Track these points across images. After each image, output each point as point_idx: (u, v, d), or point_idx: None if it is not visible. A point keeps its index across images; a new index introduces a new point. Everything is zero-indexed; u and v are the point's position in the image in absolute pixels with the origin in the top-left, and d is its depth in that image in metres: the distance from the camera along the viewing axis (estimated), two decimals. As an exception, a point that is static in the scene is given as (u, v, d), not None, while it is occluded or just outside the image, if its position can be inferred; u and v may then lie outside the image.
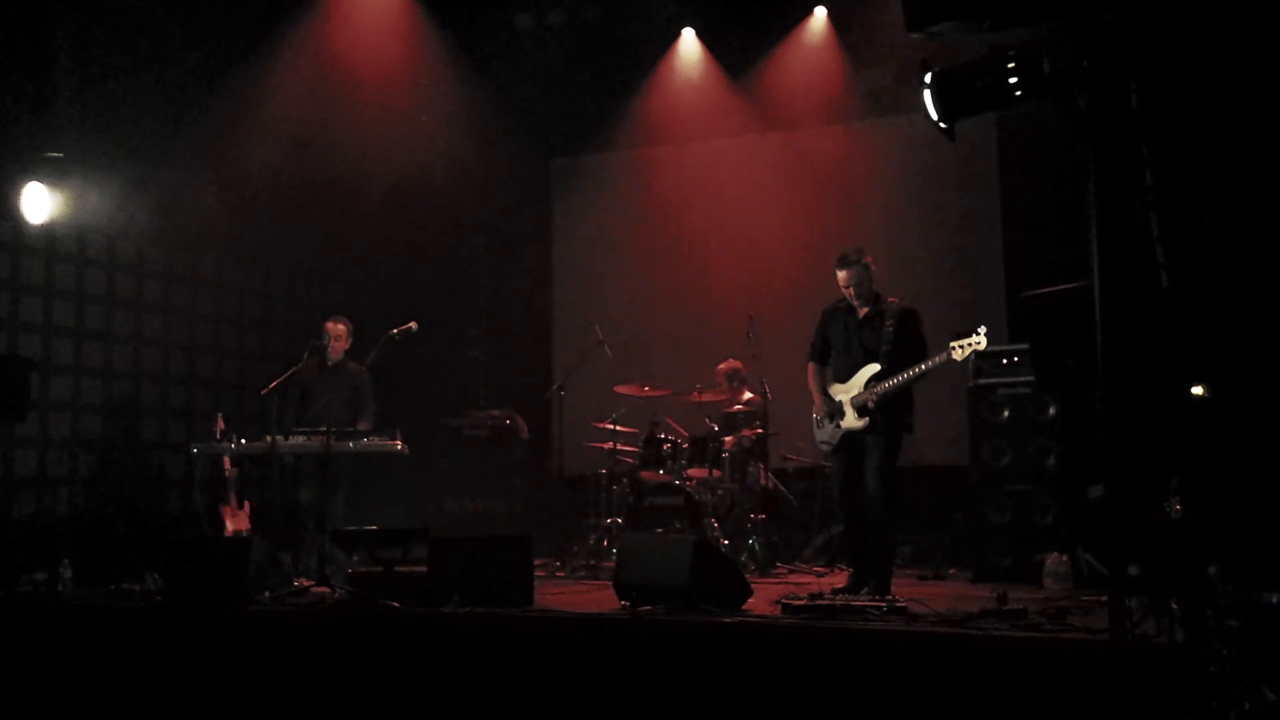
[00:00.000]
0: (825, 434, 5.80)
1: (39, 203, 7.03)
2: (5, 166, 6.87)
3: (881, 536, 5.57)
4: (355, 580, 5.34)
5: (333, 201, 8.60)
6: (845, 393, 5.66)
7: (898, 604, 4.70)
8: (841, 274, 5.67)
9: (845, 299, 5.74)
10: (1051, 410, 6.46)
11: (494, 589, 5.01)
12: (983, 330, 5.37)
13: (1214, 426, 3.88)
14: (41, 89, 6.80)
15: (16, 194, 6.94)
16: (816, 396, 5.84)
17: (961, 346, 5.36)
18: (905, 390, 5.54)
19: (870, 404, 5.51)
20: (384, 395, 7.42)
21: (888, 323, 5.57)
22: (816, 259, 8.65)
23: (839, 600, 4.77)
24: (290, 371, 6.79)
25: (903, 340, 5.53)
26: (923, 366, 5.43)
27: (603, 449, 7.60)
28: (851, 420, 5.62)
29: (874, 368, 5.56)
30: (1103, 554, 5.53)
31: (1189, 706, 3.52)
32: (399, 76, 8.41)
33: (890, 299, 5.68)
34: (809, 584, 5.97)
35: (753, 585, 5.13)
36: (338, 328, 7.19)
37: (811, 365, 5.91)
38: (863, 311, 5.70)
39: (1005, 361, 6.63)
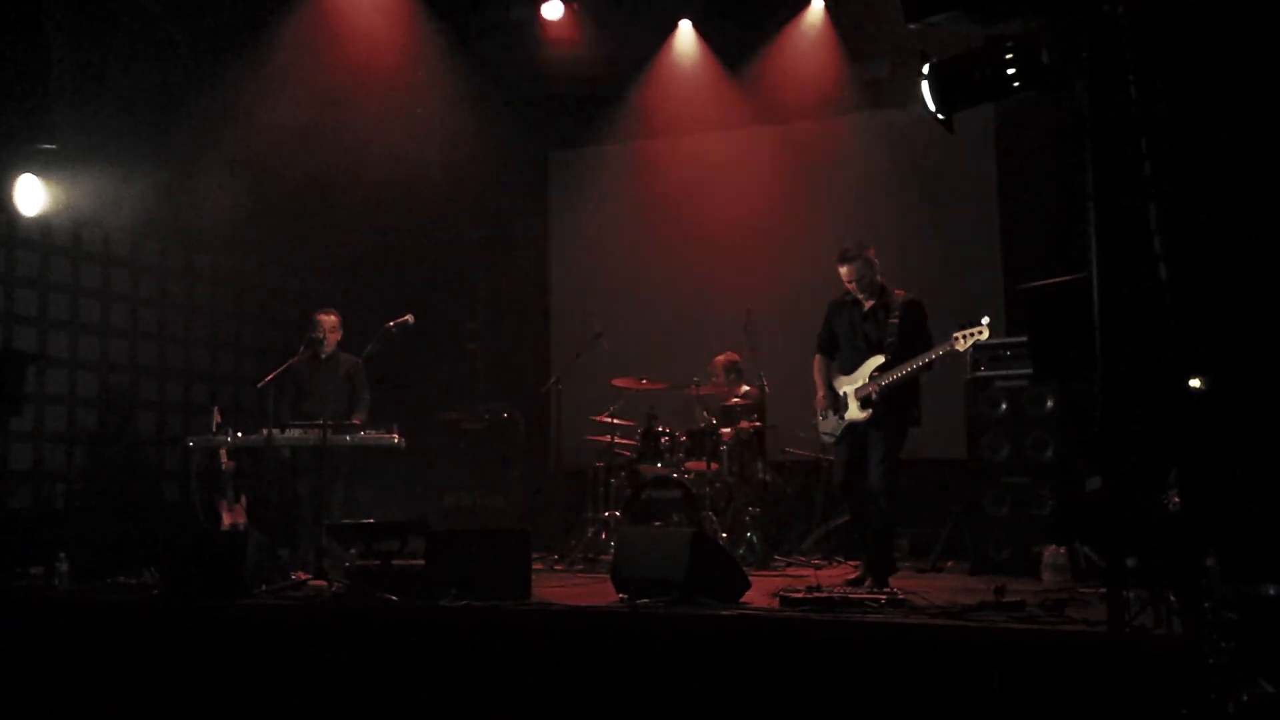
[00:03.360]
0: (829, 425, 5.83)
1: (33, 195, 7.00)
2: (-1, 159, 6.85)
3: (882, 530, 5.59)
4: (352, 574, 5.33)
5: (329, 194, 8.57)
6: (850, 384, 5.70)
7: (896, 596, 4.71)
8: (843, 269, 5.70)
9: (850, 293, 5.73)
10: (1049, 403, 6.46)
11: (492, 582, 5.01)
12: (985, 320, 5.38)
13: (1212, 418, 3.88)
14: (35, 81, 6.76)
15: (10, 186, 6.91)
16: (820, 388, 5.86)
17: (965, 336, 5.39)
18: (911, 383, 5.56)
19: (874, 395, 5.52)
20: (380, 388, 7.40)
21: (893, 315, 5.60)
22: (814, 251, 8.65)
23: (838, 592, 4.77)
24: (286, 364, 6.78)
25: (907, 332, 5.56)
26: (928, 358, 5.46)
27: (600, 442, 7.59)
28: (855, 412, 5.65)
29: (879, 359, 5.59)
30: (1101, 546, 5.53)
31: (1187, 699, 3.52)
32: (395, 68, 8.37)
33: (896, 291, 5.72)
34: (807, 576, 5.97)
35: (751, 578, 5.13)
36: (330, 319, 7.18)
37: (818, 358, 5.96)
38: (868, 304, 5.73)
39: (1003, 354, 6.63)
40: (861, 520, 5.76)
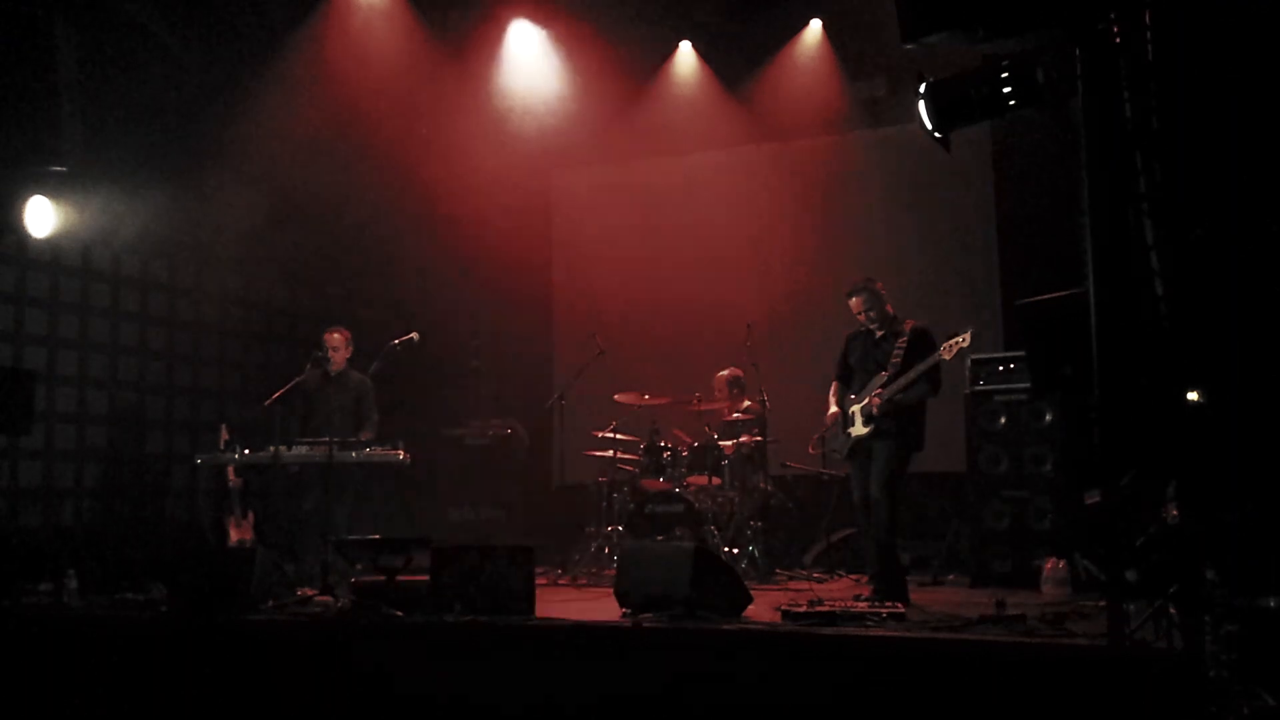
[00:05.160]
0: (838, 443, 6.08)
1: (43, 216, 7.06)
2: (9, 180, 6.90)
3: (882, 541, 5.65)
4: (358, 589, 5.37)
5: (335, 213, 8.64)
6: (856, 403, 5.89)
7: (897, 610, 4.73)
8: (852, 301, 5.98)
9: (864, 324, 5.97)
10: (1048, 417, 6.51)
11: (496, 597, 5.04)
12: (969, 331, 5.59)
13: (1209, 431, 3.91)
14: (45, 103, 6.83)
15: (21, 208, 6.97)
16: (833, 409, 6.08)
17: (950, 347, 5.60)
18: (916, 406, 5.72)
19: (874, 410, 5.67)
20: (386, 405, 7.45)
21: (899, 340, 5.81)
22: (813, 268, 8.73)
23: (839, 606, 4.80)
24: (293, 382, 6.82)
25: (911, 355, 5.75)
26: (920, 369, 5.63)
27: (603, 457, 7.62)
28: (859, 428, 5.85)
29: (882, 376, 5.77)
30: (1101, 559, 5.55)
31: (1188, 711, 3.54)
32: (399, 88, 8.45)
33: (907, 322, 5.94)
34: (809, 591, 6.00)
35: (753, 592, 5.17)
36: (335, 338, 7.22)
37: (835, 384, 6.20)
38: (879, 333, 5.95)
39: (1001, 369, 6.68)
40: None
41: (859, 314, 5.96)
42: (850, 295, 5.97)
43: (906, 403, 5.70)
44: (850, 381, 6.10)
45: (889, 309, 5.97)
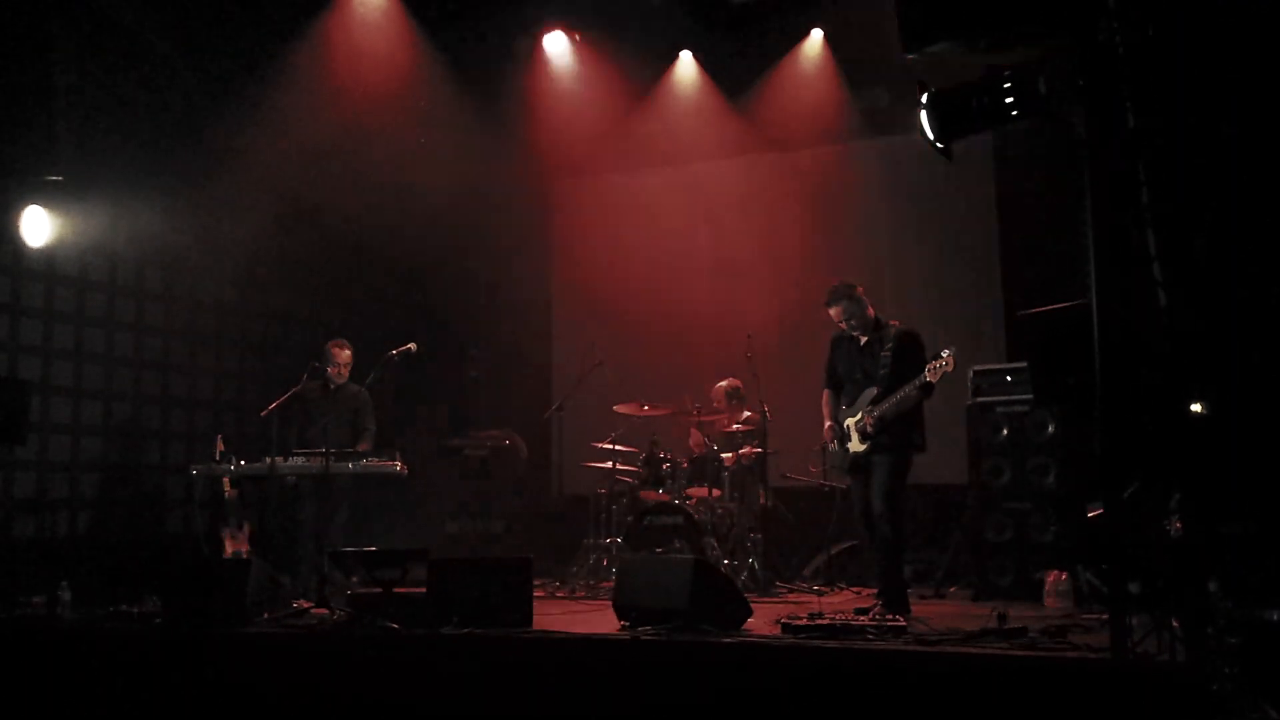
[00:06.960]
0: (836, 458, 5.99)
1: (39, 226, 7.04)
2: (5, 190, 6.89)
3: (886, 554, 5.61)
4: (355, 601, 5.34)
5: (333, 223, 8.62)
6: (850, 417, 5.83)
7: (898, 623, 4.70)
8: (832, 310, 5.86)
9: (848, 330, 5.88)
10: (1050, 428, 6.48)
11: (493, 610, 5.01)
12: (947, 351, 5.47)
13: (1212, 443, 3.88)
14: (41, 113, 6.82)
15: (16, 217, 6.96)
16: (827, 422, 6.00)
17: (933, 369, 5.49)
18: (911, 410, 5.62)
19: (869, 428, 5.62)
20: (383, 416, 7.42)
21: (886, 347, 5.69)
22: (814, 278, 8.67)
23: (840, 619, 4.77)
24: (290, 393, 6.79)
25: (900, 364, 5.65)
26: (906, 390, 5.55)
27: (602, 469, 7.59)
28: (856, 444, 5.79)
29: (873, 391, 5.68)
30: (1103, 572, 5.53)
31: (1191, 725, 3.52)
32: (399, 99, 8.45)
33: (892, 323, 5.80)
34: (809, 603, 5.96)
35: (753, 605, 5.14)
36: (344, 354, 7.18)
37: (825, 392, 6.10)
38: (863, 339, 5.85)
39: (1003, 380, 6.65)
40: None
41: (840, 323, 5.86)
42: (829, 305, 5.84)
43: (900, 412, 5.63)
44: (841, 389, 6.00)
45: (871, 312, 5.84)
